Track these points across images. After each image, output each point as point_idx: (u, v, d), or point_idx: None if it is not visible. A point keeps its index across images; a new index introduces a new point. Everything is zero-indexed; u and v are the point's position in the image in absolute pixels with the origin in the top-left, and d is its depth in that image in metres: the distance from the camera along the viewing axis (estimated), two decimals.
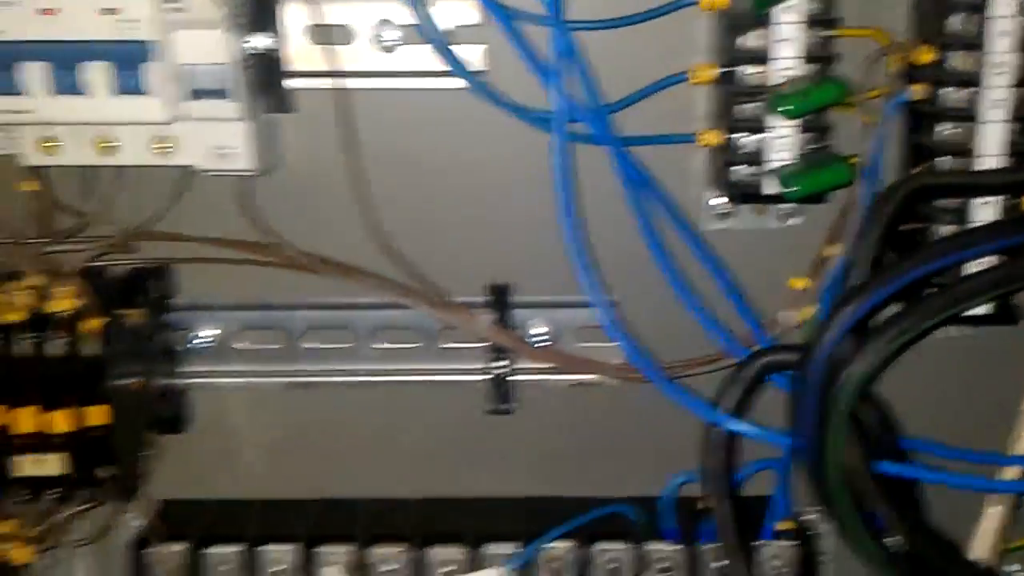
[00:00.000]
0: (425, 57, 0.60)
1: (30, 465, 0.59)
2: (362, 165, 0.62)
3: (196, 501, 0.71)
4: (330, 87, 0.60)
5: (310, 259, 0.62)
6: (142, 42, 0.53)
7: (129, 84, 0.54)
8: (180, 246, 0.64)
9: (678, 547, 0.68)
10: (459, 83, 0.60)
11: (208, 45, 0.54)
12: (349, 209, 0.63)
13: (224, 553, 0.69)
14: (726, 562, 0.59)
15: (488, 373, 0.68)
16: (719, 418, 0.56)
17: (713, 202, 0.65)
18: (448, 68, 0.59)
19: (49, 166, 0.60)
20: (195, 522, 0.70)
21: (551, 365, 0.65)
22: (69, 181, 0.63)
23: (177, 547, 0.68)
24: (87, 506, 0.62)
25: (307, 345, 0.70)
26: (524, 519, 0.70)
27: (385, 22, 0.60)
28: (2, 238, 0.60)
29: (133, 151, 0.58)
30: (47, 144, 0.58)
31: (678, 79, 0.61)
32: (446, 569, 0.69)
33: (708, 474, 0.57)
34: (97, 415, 0.59)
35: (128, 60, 0.54)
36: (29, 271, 0.58)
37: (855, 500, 0.54)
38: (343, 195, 0.63)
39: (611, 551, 0.69)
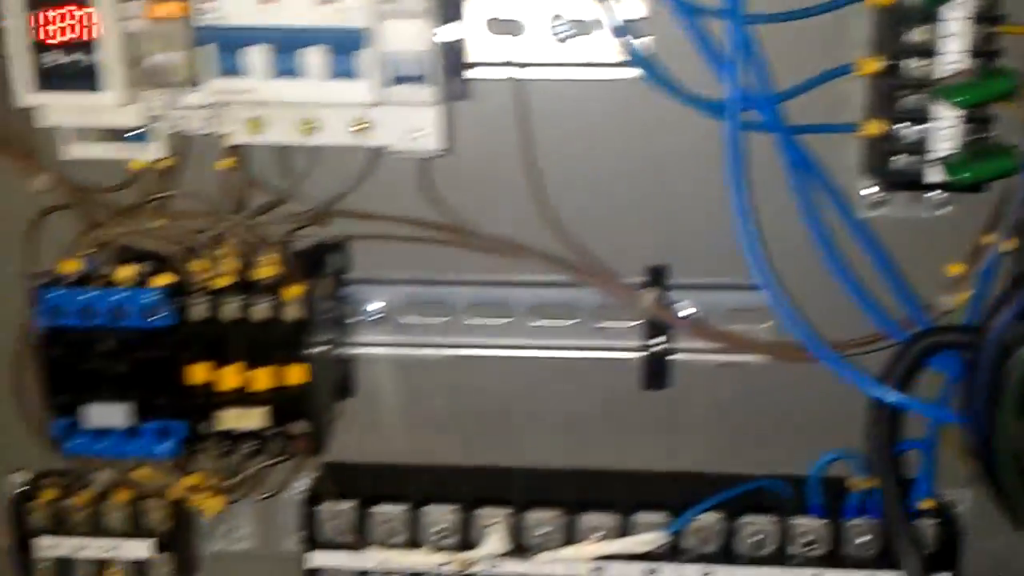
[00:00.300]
0: (596, 48, 0.63)
1: (233, 418, 0.63)
2: (534, 150, 0.66)
3: (359, 464, 0.75)
4: (506, 77, 0.65)
5: (484, 238, 0.66)
6: (356, 30, 0.57)
7: (342, 68, 0.58)
8: (355, 222, 0.68)
9: (823, 522, 0.70)
10: (626, 73, 0.64)
11: (411, 34, 0.59)
12: (520, 191, 0.67)
13: (389, 512, 0.72)
14: (890, 535, 0.62)
15: (643, 351, 0.71)
16: (887, 393, 0.59)
17: (865, 191, 0.68)
18: (621, 59, 0.63)
19: (251, 145, 0.64)
20: (358, 484, 0.73)
21: (709, 344, 0.68)
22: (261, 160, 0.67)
23: (345, 505, 0.72)
24: (277, 460, 0.66)
25: (468, 321, 0.73)
26: (674, 492, 0.73)
27: (558, 16, 0.63)
28: (205, 211, 0.64)
29: (333, 132, 0.62)
30: (255, 124, 0.62)
31: (843, 71, 0.63)
32: (598, 534, 0.71)
33: (874, 449, 0.60)
34: (295, 374, 0.63)
35: (342, 46, 0.58)
36: (227, 242, 0.63)
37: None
38: (515, 178, 0.67)
39: (756, 524, 0.71)
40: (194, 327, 0.63)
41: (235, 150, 0.66)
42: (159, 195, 0.66)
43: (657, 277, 0.70)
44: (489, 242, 0.66)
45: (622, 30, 0.63)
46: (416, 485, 0.75)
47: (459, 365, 0.74)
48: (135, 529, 0.74)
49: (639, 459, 0.75)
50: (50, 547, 0.74)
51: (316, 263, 0.68)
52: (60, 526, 0.74)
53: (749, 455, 0.74)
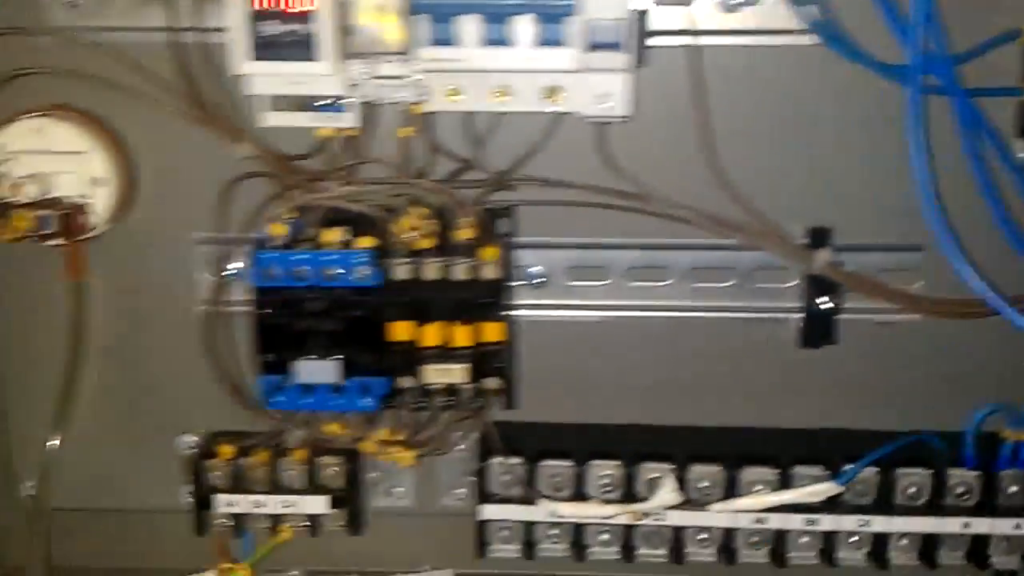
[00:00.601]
0: (765, 16, 0.67)
1: (436, 373, 0.66)
2: (708, 116, 0.69)
3: (523, 423, 0.78)
4: (681, 44, 0.68)
5: (663, 203, 0.69)
6: (567, 1, 0.60)
7: (550, 36, 0.61)
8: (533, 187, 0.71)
9: (976, 473, 0.73)
10: (797, 39, 0.68)
11: (611, 2, 0.61)
12: (693, 156, 0.70)
13: (557, 466, 0.75)
14: None
15: (803, 310, 0.74)
16: None
17: (1021, 154, 0.71)
18: (797, 26, 0.66)
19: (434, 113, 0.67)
20: (523, 441, 0.76)
21: (870, 304, 0.71)
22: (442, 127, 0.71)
23: (515, 460, 0.75)
24: (466, 416, 0.69)
25: (630, 284, 0.76)
26: (830, 447, 0.76)
27: None
28: (396, 177, 0.67)
29: (525, 99, 0.65)
30: (451, 93, 0.65)
31: (1013, 36, 0.66)
32: (758, 488, 0.75)
33: None
34: (492, 332, 0.66)
35: (549, 15, 0.60)
36: (422, 206, 0.66)
37: None
38: (687, 143, 0.70)
39: (912, 475, 0.74)
40: (398, 287, 0.65)
41: (419, 118, 0.68)
42: (350, 162, 0.68)
43: (821, 238, 0.72)
44: (666, 206, 0.68)
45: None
46: (578, 442, 0.77)
47: (620, 327, 0.76)
48: (309, 486, 0.77)
49: (796, 417, 0.77)
50: (228, 504, 0.77)
51: (489, 227, 0.70)
52: (237, 483, 0.76)
53: (905, 411, 0.76)
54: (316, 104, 0.66)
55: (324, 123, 0.67)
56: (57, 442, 0.78)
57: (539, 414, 0.78)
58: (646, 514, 0.73)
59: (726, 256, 0.76)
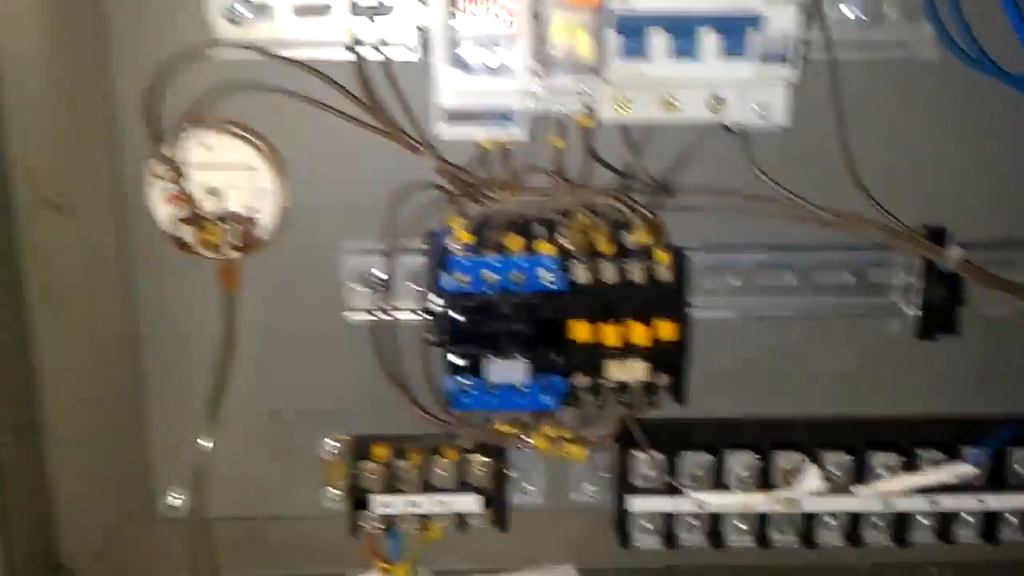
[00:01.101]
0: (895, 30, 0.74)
1: (618, 371, 0.70)
2: (846, 127, 0.75)
3: (658, 418, 0.82)
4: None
5: (810, 208, 0.74)
6: (750, 13, 0.65)
7: (731, 49, 0.66)
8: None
9: None
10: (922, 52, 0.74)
11: (785, 17, 0.67)
12: (832, 163, 0.75)
13: (697, 458, 0.80)
14: None
15: (923, 304, 0.79)
16: None
17: None
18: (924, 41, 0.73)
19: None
20: (660, 435, 0.81)
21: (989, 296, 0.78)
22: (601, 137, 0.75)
23: (657, 452, 0.79)
24: (638, 412, 0.73)
25: (759, 283, 0.81)
26: (947, 433, 0.82)
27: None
28: (564, 185, 0.72)
29: (691, 109, 0.70)
30: (621, 104, 0.70)
31: None
32: (885, 472, 0.80)
33: None
34: (667, 331, 0.71)
35: (734, 29, 0.66)
36: (595, 212, 0.71)
37: None
38: (827, 150, 0.75)
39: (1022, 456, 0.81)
40: (581, 289, 0.70)
41: (585, 129, 0.72)
42: (520, 171, 0.72)
43: (937, 237, 0.78)
44: (812, 212, 0.74)
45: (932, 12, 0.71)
46: (709, 436, 0.81)
47: (746, 324, 0.82)
48: (459, 485, 0.80)
49: (915, 405, 0.83)
50: (384, 505, 0.80)
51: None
52: (387, 485, 0.80)
53: (1014, 398, 0.83)
54: (491, 116, 0.69)
55: (498, 135, 0.70)
56: (210, 445, 0.79)
57: (669, 409, 0.82)
58: (792, 501, 0.77)
59: (843, 255, 0.80)
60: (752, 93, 0.69)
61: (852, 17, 0.74)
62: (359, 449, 0.80)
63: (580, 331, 0.70)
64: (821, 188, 0.76)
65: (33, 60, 0.74)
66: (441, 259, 0.70)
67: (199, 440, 0.80)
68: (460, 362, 0.70)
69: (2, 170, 0.74)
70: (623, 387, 0.72)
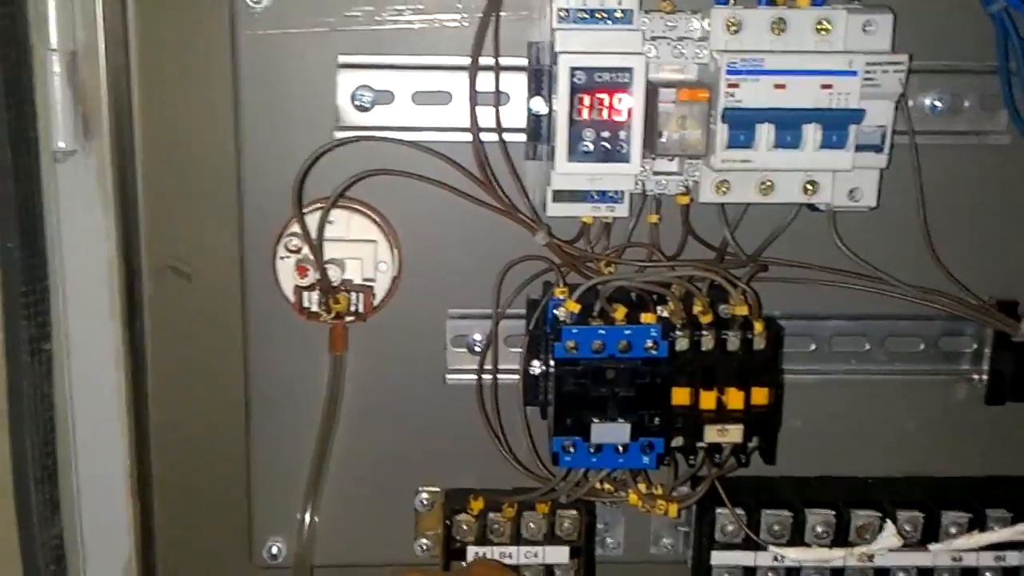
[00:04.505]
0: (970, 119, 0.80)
1: (716, 433, 0.76)
2: (924, 205, 0.80)
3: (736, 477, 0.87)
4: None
5: (895, 284, 0.80)
6: (851, 110, 0.71)
7: (832, 141, 0.71)
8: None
9: None
10: (996, 139, 0.80)
11: (881, 110, 0.72)
12: (913, 239, 0.80)
13: (778, 515, 0.85)
14: None
15: (989, 372, 0.85)
16: None
17: None
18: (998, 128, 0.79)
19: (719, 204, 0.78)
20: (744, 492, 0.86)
21: None
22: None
23: (739, 509, 0.84)
24: (726, 472, 0.78)
25: (837, 349, 0.87)
26: (1018, 493, 0.87)
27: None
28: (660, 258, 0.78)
29: (785, 191, 0.75)
30: (721, 186, 0.75)
31: None
32: (955, 529, 0.85)
33: None
34: (761, 396, 0.76)
35: (836, 123, 0.71)
36: (694, 284, 0.76)
37: None
38: (907, 229, 0.80)
39: None
40: (681, 356, 0.75)
41: (683, 207, 0.77)
42: (623, 245, 0.78)
43: (1010, 310, 0.83)
44: (900, 287, 0.79)
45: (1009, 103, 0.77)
46: (787, 493, 0.86)
47: (822, 388, 0.87)
48: (547, 538, 0.85)
49: (983, 467, 0.88)
50: (477, 555, 0.84)
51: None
52: (482, 536, 0.84)
53: None
54: (595, 195, 0.75)
55: (603, 213, 0.76)
56: (310, 511, 0.83)
57: (751, 468, 0.87)
58: (870, 556, 0.82)
59: (916, 325, 0.86)
60: (845, 178, 0.74)
61: (931, 105, 0.79)
62: (456, 502, 0.84)
63: (679, 396, 0.75)
64: (899, 262, 0.81)
65: (168, 138, 0.80)
66: (550, 327, 0.74)
67: (305, 496, 0.84)
68: (568, 422, 0.74)
69: (136, 237, 0.79)
70: (716, 448, 0.76)
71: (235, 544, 0.89)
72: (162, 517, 0.87)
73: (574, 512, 0.84)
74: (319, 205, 0.76)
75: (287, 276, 0.78)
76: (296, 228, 0.76)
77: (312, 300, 0.78)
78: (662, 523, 0.89)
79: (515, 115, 0.77)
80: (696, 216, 0.80)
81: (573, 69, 0.69)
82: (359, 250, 0.78)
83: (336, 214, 0.77)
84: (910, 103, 0.78)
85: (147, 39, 0.77)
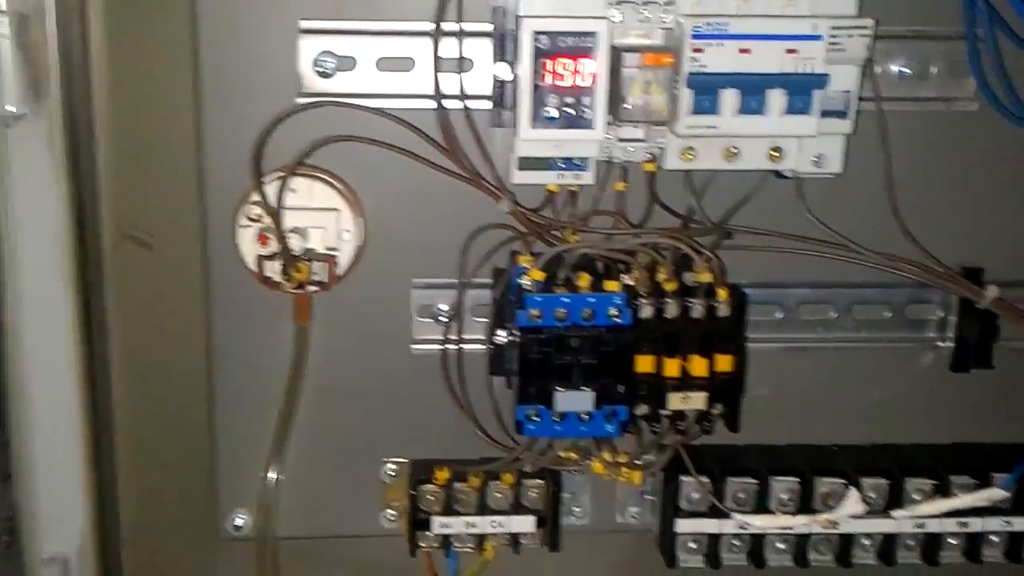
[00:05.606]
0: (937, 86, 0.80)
1: (679, 401, 0.75)
2: (891, 172, 0.79)
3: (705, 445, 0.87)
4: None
5: (861, 251, 0.79)
6: (816, 74, 0.70)
7: (797, 106, 0.71)
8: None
9: None
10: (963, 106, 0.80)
11: (846, 76, 0.72)
12: (879, 207, 0.80)
13: (743, 483, 0.85)
14: None
15: (955, 339, 0.85)
16: None
17: None
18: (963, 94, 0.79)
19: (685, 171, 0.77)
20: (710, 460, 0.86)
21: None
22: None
23: (705, 477, 0.84)
24: (691, 439, 0.78)
25: (803, 317, 0.86)
26: (976, 460, 0.87)
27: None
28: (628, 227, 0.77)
29: (750, 158, 0.75)
30: (687, 153, 0.74)
31: None
32: (919, 496, 0.85)
33: None
34: (724, 363, 0.75)
35: (801, 88, 0.70)
36: (659, 252, 0.76)
37: None
38: (873, 195, 0.80)
39: None
40: (645, 324, 0.74)
41: (648, 174, 0.77)
42: (587, 213, 0.77)
43: (975, 277, 0.83)
44: (866, 255, 0.79)
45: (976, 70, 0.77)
46: (752, 461, 0.86)
47: (788, 356, 0.87)
48: (513, 507, 0.84)
49: (948, 434, 0.88)
50: (443, 526, 0.84)
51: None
52: (446, 507, 0.84)
53: None
54: (560, 163, 0.74)
55: (568, 181, 0.75)
56: (274, 475, 0.83)
57: (716, 436, 0.86)
58: (834, 523, 0.82)
59: (882, 292, 0.86)
60: (810, 144, 0.74)
61: (898, 72, 0.79)
62: (421, 472, 0.84)
63: (643, 364, 0.75)
64: (866, 230, 0.81)
65: (127, 106, 0.78)
66: (515, 295, 0.74)
67: (267, 463, 0.83)
68: (531, 391, 0.74)
69: (95, 209, 0.77)
70: (680, 416, 0.76)
71: (200, 516, 0.88)
72: (126, 489, 0.86)
73: (540, 482, 0.84)
74: (281, 174, 0.75)
75: (248, 245, 0.76)
76: (260, 198, 0.74)
77: (274, 269, 0.76)
78: (629, 492, 0.89)
79: (481, 82, 0.76)
80: (663, 184, 0.79)
81: (536, 33, 0.68)
82: (322, 219, 0.77)
83: (298, 182, 0.76)
84: (877, 69, 0.77)
85: (104, 3, 0.75)
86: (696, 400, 0.75)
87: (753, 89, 0.70)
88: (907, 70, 0.80)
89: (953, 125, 0.82)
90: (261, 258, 0.77)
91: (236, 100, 0.77)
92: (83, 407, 0.76)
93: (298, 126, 0.76)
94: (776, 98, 0.70)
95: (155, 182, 0.79)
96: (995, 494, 0.82)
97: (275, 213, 0.74)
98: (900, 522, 0.84)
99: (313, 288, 0.78)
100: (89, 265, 0.78)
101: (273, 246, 0.76)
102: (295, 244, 0.76)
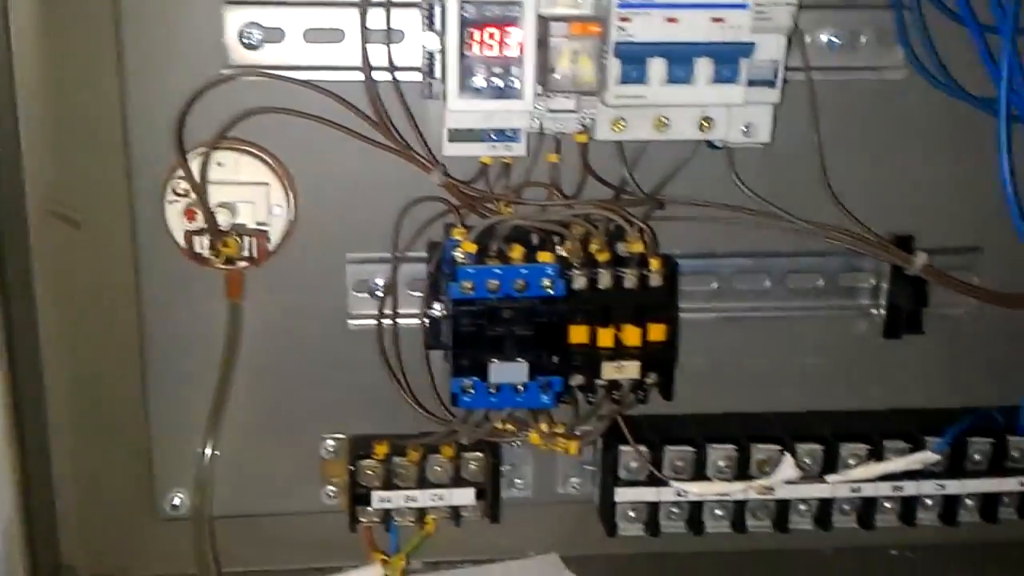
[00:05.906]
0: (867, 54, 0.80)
1: (613, 370, 0.76)
2: (820, 140, 0.80)
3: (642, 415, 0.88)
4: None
5: (791, 219, 0.80)
6: (743, 43, 0.70)
7: (724, 75, 0.71)
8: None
9: None
10: (893, 74, 0.81)
11: (773, 45, 0.72)
12: (808, 175, 0.81)
13: (681, 451, 0.86)
14: None
15: (887, 306, 0.86)
16: None
17: None
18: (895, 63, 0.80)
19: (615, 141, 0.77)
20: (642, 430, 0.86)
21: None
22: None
23: (643, 446, 0.85)
24: (626, 408, 0.78)
25: (738, 287, 0.87)
26: (912, 425, 0.88)
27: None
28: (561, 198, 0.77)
29: (680, 128, 0.75)
30: (617, 124, 0.75)
31: None
32: (853, 461, 0.87)
33: None
34: (657, 332, 0.76)
35: (727, 57, 0.71)
36: (591, 223, 0.76)
37: None
38: (802, 164, 0.81)
39: (978, 444, 0.88)
40: (578, 295, 0.75)
41: (580, 145, 0.77)
42: (515, 185, 0.77)
43: (906, 246, 0.84)
44: (798, 224, 0.79)
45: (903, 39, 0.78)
46: (689, 430, 0.87)
47: (724, 325, 0.87)
48: (453, 481, 0.85)
49: (881, 400, 0.89)
50: (383, 500, 0.84)
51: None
52: (386, 481, 0.84)
53: (971, 390, 0.90)
54: (492, 134, 0.74)
55: (500, 152, 0.75)
56: (210, 452, 0.82)
57: (654, 406, 0.86)
58: (769, 488, 0.83)
59: (815, 261, 0.86)
60: (739, 114, 0.74)
61: (828, 41, 0.79)
62: (360, 448, 0.84)
63: (577, 334, 0.75)
64: (797, 199, 0.81)
65: (49, 80, 0.76)
66: (448, 268, 0.74)
67: (203, 441, 0.82)
68: (464, 363, 0.73)
69: (18, 185, 0.76)
70: (615, 386, 0.77)
71: (137, 496, 0.87)
72: (61, 470, 0.85)
73: (479, 454, 0.84)
74: (206, 148, 0.74)
75: (177, 220, 0.75)
76: (186, 173, 0.73)
77: (204, 245, 0.75)
78: (570, 463, 0.89)
79: (411, 53, 0.75)
80: (596, 155, 0.79)
81: (462, 2, 0.68)
82: (251, 193, 0.76)
83: (225, 156, 0.75)
84: (808, 39, 0.77)
85: None
86: (630, 369, 0.75)
87: (680, 58, 0.70)
88: (837, 39, 0.79)
89: (882, 93, 0.82)
90: (190, 234, 0.76)
91: (161, 73, 0.75)
92: (4, 388, 0.74)
93: (227, 100, 0.75)
94: (703, 67, 0.70)
95: (80, 157, 0.77)
96: (928, 457, 0.83)
97: (200, 188, 0.73)
98: (835, 487, 0.85)
99: (243, 264, 0.77)
100: (11, 243, 0.76)
101: (201, 221, 0.75)
102: (224, 219, 0.75)
